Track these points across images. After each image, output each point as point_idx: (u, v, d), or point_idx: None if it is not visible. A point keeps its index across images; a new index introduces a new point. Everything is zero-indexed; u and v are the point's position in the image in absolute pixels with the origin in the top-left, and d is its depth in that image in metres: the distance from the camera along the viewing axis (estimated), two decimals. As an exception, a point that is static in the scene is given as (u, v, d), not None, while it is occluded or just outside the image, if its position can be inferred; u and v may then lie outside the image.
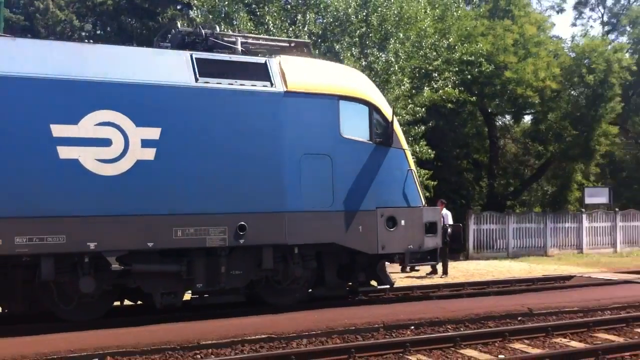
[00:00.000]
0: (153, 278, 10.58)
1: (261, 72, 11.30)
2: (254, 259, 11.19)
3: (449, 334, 9.70)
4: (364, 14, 21.70)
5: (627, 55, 39.67)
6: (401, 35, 21.70)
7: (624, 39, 43.64)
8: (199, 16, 22.35)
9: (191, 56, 10.97)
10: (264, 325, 9.79)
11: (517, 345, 9.36)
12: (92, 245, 9.85)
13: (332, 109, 11.64)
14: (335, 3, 21.32)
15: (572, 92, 31.87)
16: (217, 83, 10.86)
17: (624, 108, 35.34)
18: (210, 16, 22.16)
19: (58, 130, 9.73)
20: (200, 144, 10.57)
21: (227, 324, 10.00)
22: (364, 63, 21.02)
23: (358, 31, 21.50)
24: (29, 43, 10.49)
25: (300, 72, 11.69)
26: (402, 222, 12.07)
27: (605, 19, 47.75)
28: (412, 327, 10.19)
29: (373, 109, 12.14)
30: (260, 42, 12.82)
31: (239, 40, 11.99)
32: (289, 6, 22.21)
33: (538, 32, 34.15)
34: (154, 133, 10.28)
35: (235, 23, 21.04)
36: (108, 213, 9.94)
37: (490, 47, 28.13)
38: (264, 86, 11.17)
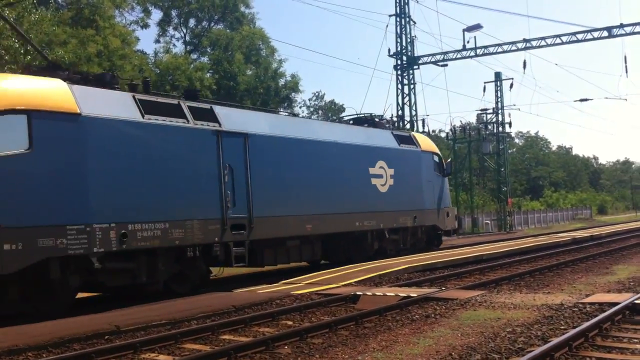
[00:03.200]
0: (389, 242, 21.56)
1: (410, 140, 23.31)
2: (411, 232, 22.68)
3: (27, 364, 8.68)
4: None
5: (208, 74, 42.10)
6: None
7: (205, 59, 46.27)
8: None
9: (392, 132, 22.65)
10: None
11: (104, 366, 8.78)
12: (380, 225, 20.76)
13: (431, 158, 24.23)
14: None
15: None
16: (403, 146, 22.50)
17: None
18: None
19: (370, 170, 20.64)
20: (403, 176, 22.02)
21: None
22: None
23: None
24: (351, 127, 21.70)
25: (420, 140, 24.08)
26: (449, 214, 25.03)
27: (188, 38, 50.05)
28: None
29: (439, 157, 24.77)
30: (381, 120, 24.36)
31: (380, 119, 23.63)
32: None
33: (123, 46, 34.14)
34: (392, 171, 21.62)
35: None
36: (386, 210, 21.12)
37: (73, 56, 27.04)
38: (415, 147, 23.19)
